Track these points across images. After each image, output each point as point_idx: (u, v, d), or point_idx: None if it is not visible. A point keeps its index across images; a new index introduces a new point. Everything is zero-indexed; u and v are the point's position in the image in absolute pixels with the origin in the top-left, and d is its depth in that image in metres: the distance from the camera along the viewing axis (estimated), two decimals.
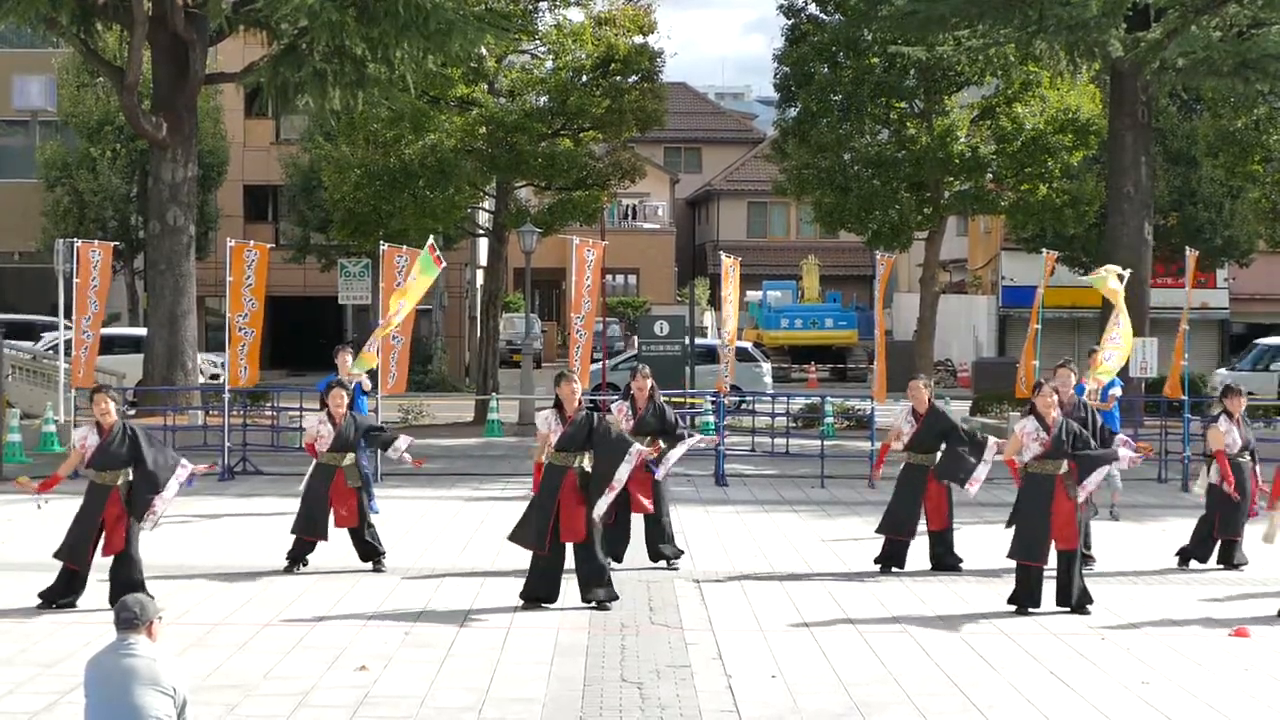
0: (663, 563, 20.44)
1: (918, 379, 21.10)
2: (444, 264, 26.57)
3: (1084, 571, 18.95)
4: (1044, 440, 17.89)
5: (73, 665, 14.25)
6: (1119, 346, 23.91)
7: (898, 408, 21.87)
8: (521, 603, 17.55)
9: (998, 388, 45.74)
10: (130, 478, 17.32)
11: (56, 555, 17.43)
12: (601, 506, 17.55)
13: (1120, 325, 24.00)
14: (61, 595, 17.33)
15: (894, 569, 20.35)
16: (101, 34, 45.09)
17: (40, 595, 17.35)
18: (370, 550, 20.02)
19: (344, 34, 34.86)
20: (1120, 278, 24.35)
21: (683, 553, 20.93)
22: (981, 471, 19.92)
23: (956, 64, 41.53)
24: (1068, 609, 17.70)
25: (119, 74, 37.78)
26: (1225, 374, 50.24)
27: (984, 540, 22.29)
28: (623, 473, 17.71)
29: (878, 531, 20.77)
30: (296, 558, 19.99)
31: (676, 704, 13.53)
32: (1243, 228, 52.54)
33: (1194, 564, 21.12)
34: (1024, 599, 17.81)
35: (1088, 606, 17.72)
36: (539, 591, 17.61)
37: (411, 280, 24.88)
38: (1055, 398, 18.26)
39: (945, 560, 20.50)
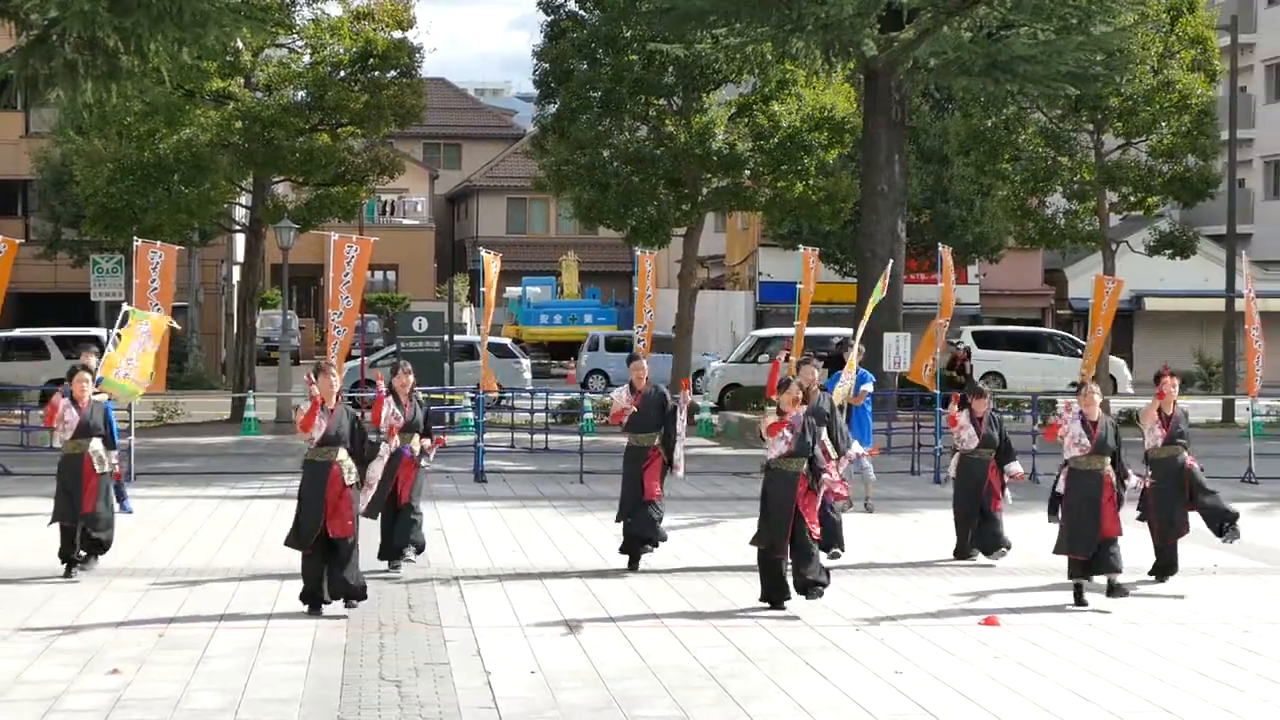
0: (392, 562, 20.11)
1: (640, 359, 21.26)
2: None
3: (830, 563, 19.20)
4: (788, 440, 17.79)
5: None
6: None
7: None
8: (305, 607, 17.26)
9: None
10: None
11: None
12: (363, 504, 17.59)
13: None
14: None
15: (647, 549, 20.37)
16: None
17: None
18: (82, 547, 19.57)
19: (96, 25, 34.21)
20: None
21: (411, 560, 20.38)
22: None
23: (714, 62, 41.78)
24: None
25: None
26: (718, 364, 50.77)
27: (743, 534, 22.49)
28: (375, 470, 17.85)
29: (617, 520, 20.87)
30: (67, 555, 19.51)
31: (435, 701, 13.48)
32: (993, 225, 53.50)
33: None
34: (769, 589, 17.77)
35: (813, 592, 17.61)
36: (317, 592, 17.30)
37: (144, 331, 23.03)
38: (801, 394, 18.28)
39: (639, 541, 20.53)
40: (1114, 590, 18.50)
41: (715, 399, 45.02)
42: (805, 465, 17.73)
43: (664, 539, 20.63)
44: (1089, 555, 18.36)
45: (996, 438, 21.31)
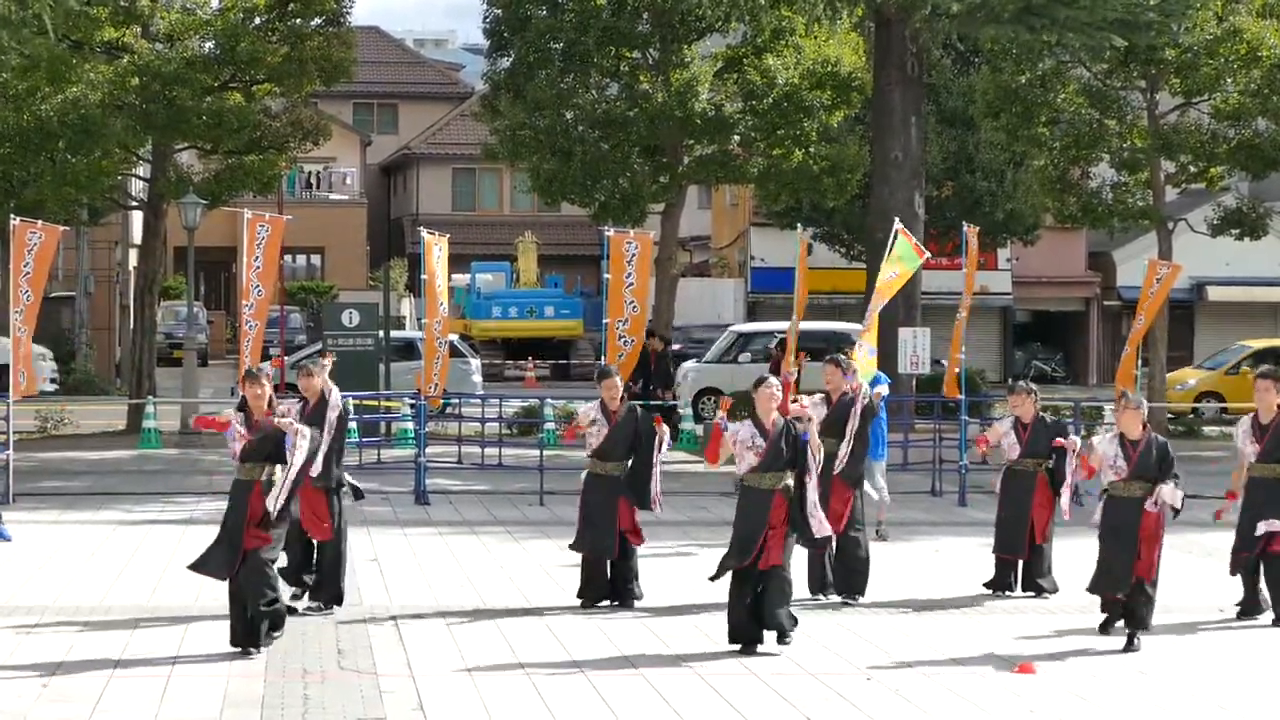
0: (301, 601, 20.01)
1: (612, 373, 21.32)
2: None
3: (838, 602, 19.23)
4: (759, 449, 17.89)
5: None
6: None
7: None
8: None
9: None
10: None
11: None
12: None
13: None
14: None
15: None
16: None
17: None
18: None
19: None
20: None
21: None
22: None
23: (697, 7, 41.78)
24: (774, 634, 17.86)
25: None
26: (692, 365, 50.50)
27: None
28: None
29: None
30: None
31: None
32: (1027, 200, 53.42)
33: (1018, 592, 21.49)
34: (732, 628, 17.96)
35: (786, 637, 17.80)
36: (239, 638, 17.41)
37: None
38: (777, 394, 18.14)
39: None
40: (1130, 645, 18.47)
41: (690, 405, 44.80)
42: (783, 481, 17.74)
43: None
44: (1123, 594, 18.38)
45: (1046, 450, 21.25)
